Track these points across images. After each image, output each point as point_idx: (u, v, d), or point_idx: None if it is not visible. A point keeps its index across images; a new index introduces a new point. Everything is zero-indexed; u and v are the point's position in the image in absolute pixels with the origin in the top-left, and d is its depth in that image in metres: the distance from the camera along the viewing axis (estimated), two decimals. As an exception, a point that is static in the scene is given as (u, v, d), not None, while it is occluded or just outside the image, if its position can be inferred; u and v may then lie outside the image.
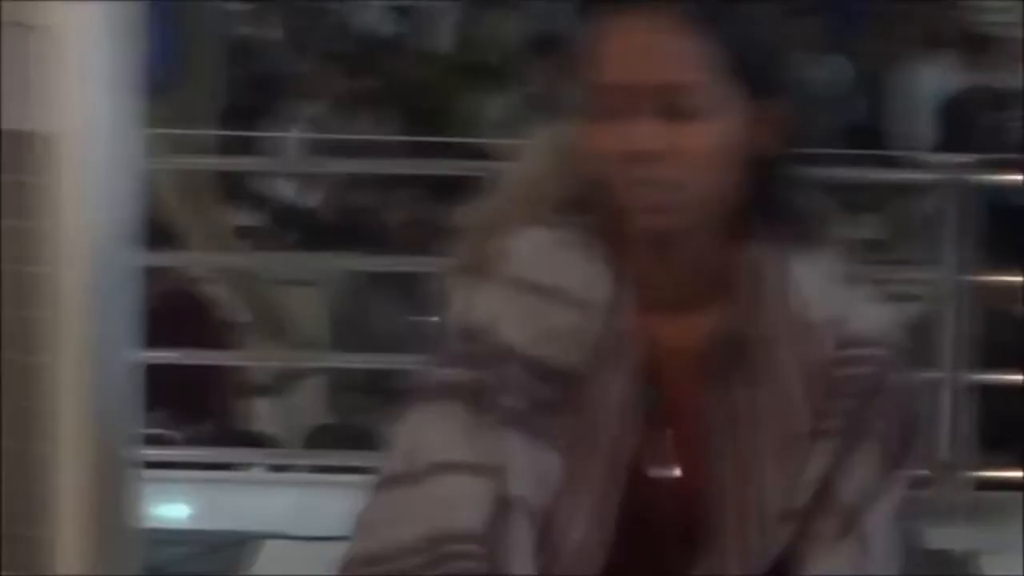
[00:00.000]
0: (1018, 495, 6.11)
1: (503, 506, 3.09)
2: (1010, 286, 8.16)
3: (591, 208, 3.25)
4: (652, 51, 3.17)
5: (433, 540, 3.07)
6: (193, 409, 8.45)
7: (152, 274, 5.08)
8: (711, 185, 3.13)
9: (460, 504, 3.10)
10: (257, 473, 7.39)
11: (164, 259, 7.82)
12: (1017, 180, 11.20)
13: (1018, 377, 8.06)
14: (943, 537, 5.04)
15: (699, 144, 3.11)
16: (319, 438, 8.61)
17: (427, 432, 3.18)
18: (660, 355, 3.23)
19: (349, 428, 8.49)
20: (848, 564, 3.19)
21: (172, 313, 8.03)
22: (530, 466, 3.14)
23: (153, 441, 5.04)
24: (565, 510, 3.17)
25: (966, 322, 6.05)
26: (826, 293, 3.22)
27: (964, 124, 13.22)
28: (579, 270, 3.23)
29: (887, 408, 3.20)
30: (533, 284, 3.23)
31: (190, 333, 8.28)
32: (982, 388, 6.07)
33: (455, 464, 3.11)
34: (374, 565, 3.13)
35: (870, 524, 3.19)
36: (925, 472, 5.03)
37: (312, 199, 13.12)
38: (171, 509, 5.55)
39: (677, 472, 3.22)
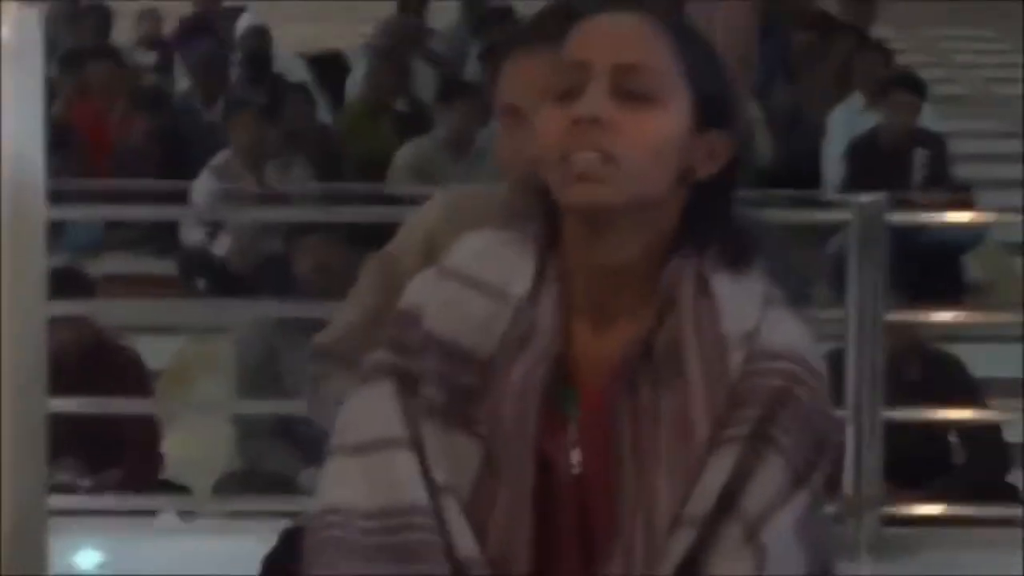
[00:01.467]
0: (923, 530, 6.15)
1: (434, 487, 3.29)
2: (918, 323, 8.24)
3: (540, 211, 3.39)
4: (618, 36, 3.34)
5: (385, 512, 3.29)
6: (102, 457, 8.47)
7: (63, 322, 5.08)
8: (645, 169, 3.24)
9: (406, 478, 3.31)
10: (168, 519, 7.39)
11: (76, 307, 7.82)
12: (927, 217, 11.36)
13: (926, 413, 8.16)
14: (848, 571, 5.07)
15: (640, 126, 3.24)
16: (227, 485, 8.62)
17: (369, 407, 3.41)
18: (577, 355, 3.36)
19: (257, 474, 8.49)
20: (746, 573, 3.24)
21: (90, 363, 8.06)
22: (448, 454, 3.33)
23: (62, 489, 5.04)
24: (485, 496, 3.32)
25: (874, 359, 6.07)
26: (742, 309, 3.32)
27: (878, 163, 13.27)
28: (505, 265, 3.39)
29: (793, 422, 3.27)
30: (458, 274, 3.41)
31: (104, 379, 8.31)
32: (890, 425, 6.09)
33: (396, 439, 3.33)
34: (328, 527, 3.33)
35: (770, 535, 3.25)
36: (832, 502, 5.06)
37: (220, 247, 13.12)
38: (82, 557, 5.54)
39: (579, 465, 3.33)
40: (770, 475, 3.27)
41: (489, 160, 3.91)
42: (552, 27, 4.15)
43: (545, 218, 3.42)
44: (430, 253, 4.10)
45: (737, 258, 3.39)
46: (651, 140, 3.28)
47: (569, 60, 3.36)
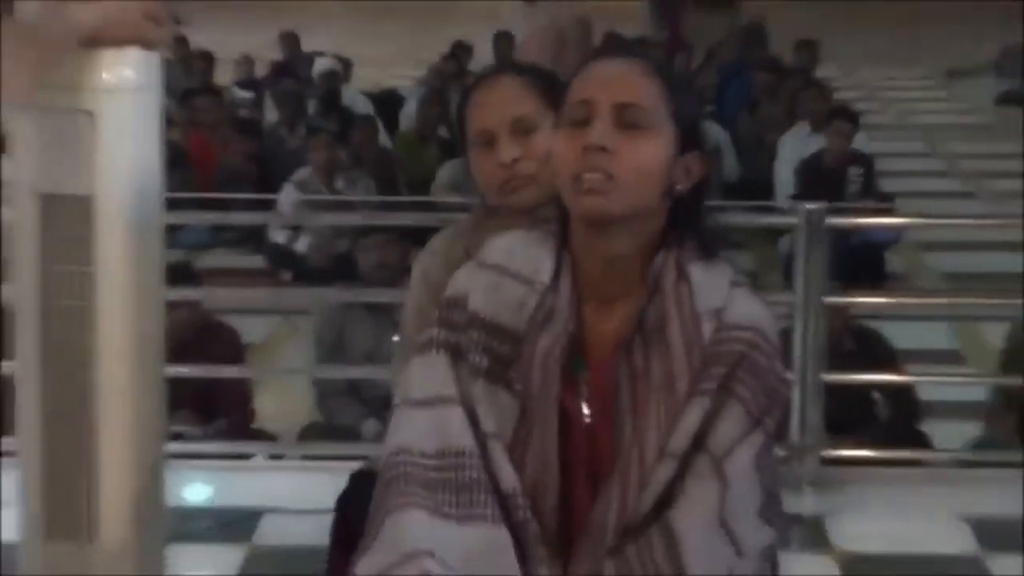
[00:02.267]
0: (856, 469, 6.14)
1: (481, 435, 3.45)
2: (850, 304, 8.25)
3: (557, 219, 3.54)
4: (615, 78, 3.45)
5: (442, 453, 3.45)
6: (208, 411, 8.46)
7: (177, 306, 5.07)
8: (638, 186, 3.39)
9: (458, 428, 3.46)
10: (260, 462, 7.38)
11: (187, 294, 7.82)
12: (861, 222, 11.36)
13: (857, 376, 8.17)
14: (794, 504, 5.07)
15: (636, 152, 3.38)
16: (308, 433, 8.61)
17: (428, 370, 3.55)
18: (587, 329, 3.51)
19: (331, 425, 8.49)
20: (712, 496, 3.39)
21: (197, 338, 8.06)
22: (494, 407, 3.49)
23: (177, 437, 5.04)
24: (521, 440, 3.48)
25: (816, 333, 6.08)
26: (712, 290, 3.48)
27: (819, 179, 13.26)
28: (531, 259, 3.54)
29: (750, 378, 3.42)
30: (495, 267, 3.57)
31: (209, 350, 8.31)
32: (828, 386, 6.09)
33: (450, 397, 3.49)
34: (396, 465, 3.47)
35: (732, 467, 3.39)
36: (782, 448, 5.06)
37: (301, 245, 13.12)
38: (192, 491, 5.53)
39: (589, 415, 3.48)
40: (733, 420, 3.42)
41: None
42: (506, 69, 4.42)
43: (559, 222, 3.54)
44: (427, 278, 4.26)
45: (708, 252, 3.53)
46: (644, 163, 3.41)
47: (578, 97, 3.44)
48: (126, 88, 4.09)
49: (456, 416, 3.49)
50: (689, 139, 3.49)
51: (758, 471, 3.44)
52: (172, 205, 4.33)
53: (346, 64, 19.51)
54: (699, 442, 3.40)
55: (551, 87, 3.99)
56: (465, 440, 3.47)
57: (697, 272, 3.48)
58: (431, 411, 3.52)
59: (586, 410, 3.50)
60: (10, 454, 4.51)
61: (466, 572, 3.40)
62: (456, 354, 3.56)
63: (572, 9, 12.51)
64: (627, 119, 3.41)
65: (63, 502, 4.22)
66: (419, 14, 28.82)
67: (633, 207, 3.42)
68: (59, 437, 4.22)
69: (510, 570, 3.43)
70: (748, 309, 3.49)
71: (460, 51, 19.18)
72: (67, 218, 4.10)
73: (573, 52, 12.60)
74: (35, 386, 4.24)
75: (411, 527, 3.43)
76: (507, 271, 3.58)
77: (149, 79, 4.13)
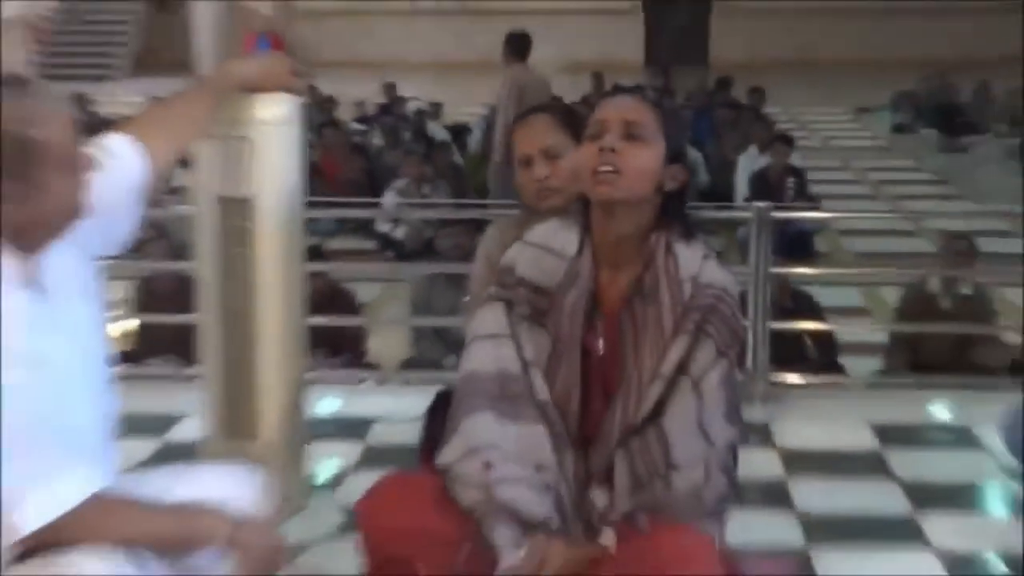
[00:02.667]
0: (793, 389, 6.14)
1: (525, 362, 3.52)
2: (788, 274, 8.25)
3: (581, 210, 3.61)
4: (623, 105, 3.57)
5: (500, 374, 3.54)
6: (335, 349, 8.50)
7: (312, 276, 5.10)
8: (639, 181, 3.48)
9: (509, 357, 3.55)
10: (371, 385, 7.38)
11: (318, 267, 7.85)
12: (804, 216, 11.33)
13: (793, 325, 8.16)
14: (749, 413, 5.06)
15: (636, 154, 3.47)
16: (406, 366, 8.64)
17: (490, 315, 3.64)
18: (601, 288, 3.58)
19: (424, 359, 8.51)
20: (692, 408, 3.47)
21: (325, 298, 8.09)
22: (534, 343, 3.57)
23: (315, 367, 5.07)
24: (553, 367, 3.56)
25: (763, 294, 6.06)
26: (691, 261, 3.55)
27: (766, 186, 13.23)
28: (562, 239, 3.63)
29: (718, 322, 3.50)
30: (536, 244, 3.66)
31: (334, 307, 8.34)
32: (772, 331, 6.08)
33: (504, 335, 3.59)
34: (469, 382, 3.57)
35: (706, 387, 3.48)
36: (741, 374, 5.07)
37: (399, 233, 13.13)
38: (324, 404, 5.56)
39: (602, 350, 3.56)
40: (705, 352, 3.49)
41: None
42: (540, 109, 4.37)
43: (581, 214, 3.61)
44: (487, 255, 4.23)
45: (688, 235, 3.62)
46: (642, 164, 3.49)
47: (596, 118, 3.54)
48: (277, 122, 4.15)
49: (508, 347, 3.57)
50: (675, 154, 3.57)
51: (724, 388, 3.52)
52: (309, 204, 4.35)
53: (437, 106, 19.53)
54: (681, 368, 3.48)
55: (572, 123, 4.03)
56: (514, 366, 3.55)
57: (680, 248, 3.56)
58: (492, 342, 3.60)
59: (600, 345, 3.57)
60: (196, 377, 4.54)
61: (517, 457, 3.46)
62: (508, 305, 3.63)
63: (532, 72, 12.68)
64: (631, 132, 3.49)
65: (234, 411, 4.27)
66: (480, 69, 28.78)
67: (633, 194, 3.49)
68: (231, 365, 4.27)
69: (546, 456, 3.49)
70: (716, 274, 3.55)
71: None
72: (235, 213, 4.16)
73: (533, 98, 12.85)
74: (214, 331, 4.29)
75: (478, 426, 3.52)
76: (545, 247, 3.65)
77: (292, 115, 4.19)
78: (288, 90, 4.10)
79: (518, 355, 3.56)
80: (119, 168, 3.48)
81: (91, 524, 3.05)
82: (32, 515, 2.99)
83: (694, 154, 14.91)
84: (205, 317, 4.29)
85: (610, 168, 3.44)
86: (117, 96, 23.37)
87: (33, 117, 3.04)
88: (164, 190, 10.16)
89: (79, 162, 3.15)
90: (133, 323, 8.57)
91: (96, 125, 14.22)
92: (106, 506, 3.11)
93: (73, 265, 3.27)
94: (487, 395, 3.54)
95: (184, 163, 4.18)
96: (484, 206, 11.82)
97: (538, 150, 4.09)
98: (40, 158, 3.04)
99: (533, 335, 3.58)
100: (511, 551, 3.37)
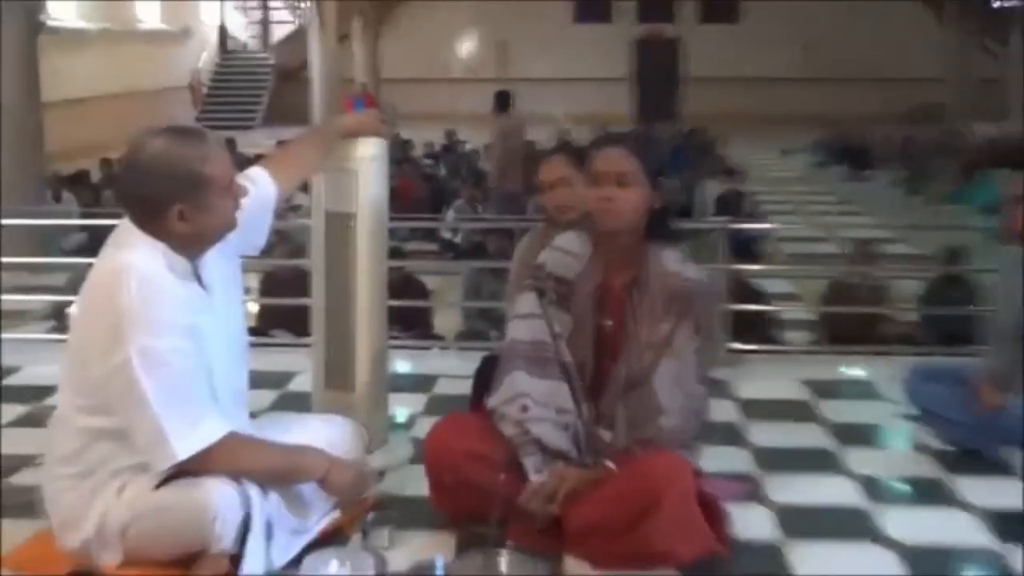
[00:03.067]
0: (746, 355, 6.04)
1: (555, 334, 3.54)
2: (739, 269, 8.14)
3: (589, 224, 3.59)
4: (614, 160, 3.50)
5: (534, 341, 3.55)
6: (408, 324, 8.43)
7: (392, 270, 5.03)
8: (631, 214, 3.48)
9: (541, 329, 3.56)
10: (435, 351, 7.32)
11: (397, 263, 7.78)
12: (752, 227, 11.20)
13: (751, 307, 8.05)
14: (715, 374, 4.95)
15: (628, 197, 3.47)
16: (461, 337, 8.57)
17: (525, 300, 3.62)
18: (608, 281, 3.57)
19: (474, 332, 8.43)
20: (673, 368, 3.44)
21: (402, 286, 8.02)
22: (560, 320, 3.56)
23: (392, 337, 4.99)
24: (574, 338, 3.55)
25: (724, 286, 5.95)
26: (674, 262, 3.50)
27: (726, 206, 13.11)
28: (578, 244, 3.62)
29: (695, 308, 3.47)
30: (560, 248, 3.64)
31: (408, 293, 8.28)
32: (734, 312, 5.97)
33: (537, 314, 3.58)
34: (513, 347, 3.58)
35: (684, 354, 3.45)
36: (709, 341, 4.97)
37: (457, 238, 13.03)
38: (399, 365, 5.47)
39: (610, 326, 3.55)
40: (684, 330, 3.46)
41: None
42: (557, 149, 4.46)
43: (592, 228, 3.60)
44: (520, 255, 4.27)
45: (670, 243, 3.60)
46: (631, 204, 3.49)
47: (597, 169, 3.53)
48: (370, 158, 4.10)
49: (540, 324, 3.56)
50: (654, 185, 3.53)
51: (697, 355, 3.50)
52: (390, 217, 4.29)
53: (485, 147, 19.39)
54: (667, 341, 3.45)
55: (580, 159, 3.95)
56: (545, 335, 3.55)
57: (664, 253, 3.54)
58: (527, 320, 3.59)
59: (609, 323, 3.55)
60: (306, 345, 4.48)
61: (545, 403, 3.49)
62: (540, 292, 3.59)
63: (513, 119, 13.06)
64: (620, 181, 3.47)
65: (335, 369, 4.21)
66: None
67: (628, 224, 3.50)
68: (334, 335, 4.21)
69: (567, 403, 3.51)
70: (692, 272, 3.53)
71: (530, 142, 19.02)
72: (341, 224, 4.12)
73: (515, 141, 13.45)
74: (321, 309, 4.20)
75: (517, 380, 3.51)
76: (566, 250, 3.63)
77: (381, 152, 4.14)
78: (380, 135, 4.15)
79: (548, 329, 3.55)
80: (257, 192, 3.52)
81: (224, 457, 3.09)
82: (184, 447, 2.97)
83: (672, 182, 14.84)
84: (315, 299, 4.25)
85: (610, 211, 3.47)
86: (255, 140, 23.44)
87: (205, 157, 3.10)
88: (286, 207, 10.15)
89: (235, 190, 3.21)
90: (255, 306, 8.59)
91: (241, 162, 14.31)
92: (237, 443, 3.13)
93: (223, 263, 3.31)
94: (523, 357, 3.53)
95: (304, 187, 4.19)
96: (521, 219, 11.78)
97: (556, 178, 4.11)
98: (208, 187, 3.10)
99: (559, 315, 3.56)
100: (537, 473, 3.43)
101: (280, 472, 3.27)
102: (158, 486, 3.07)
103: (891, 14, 29.22)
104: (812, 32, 30.70)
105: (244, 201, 3.27)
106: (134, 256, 3.05)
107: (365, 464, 3.71)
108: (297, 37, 31.20)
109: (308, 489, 3.39)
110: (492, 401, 3.56)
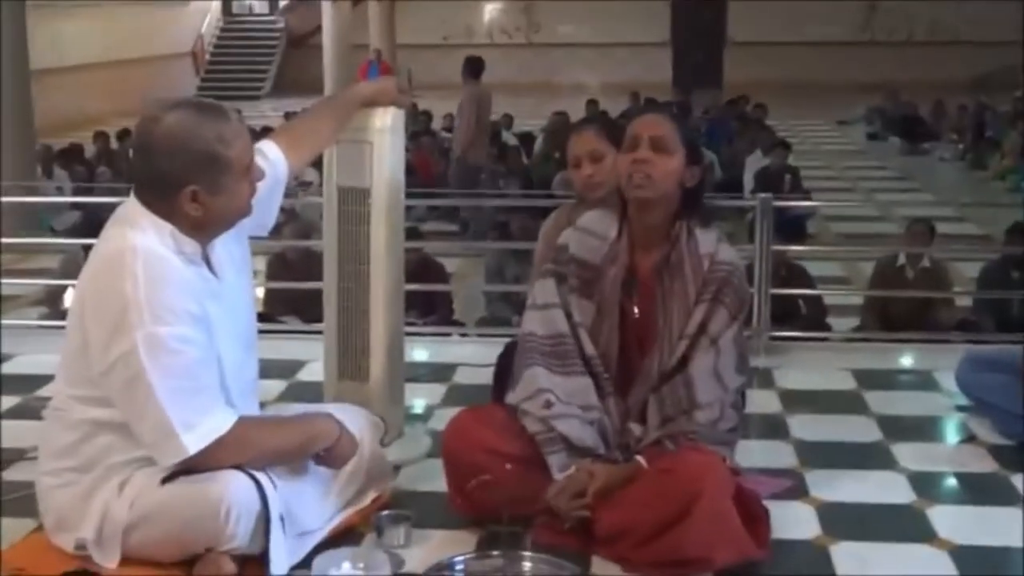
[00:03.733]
0: (789, 343, 6.05)
1: (574, 325, 3.50)
2: (786, 250, 8.15)
3: (619, 201, 3.61)
4: (652, 123, 3.54)
5: (551, 335, 3.57)
6: (427, 309, 8.47)
7: (409, 251, 5.08)
8: (665, 183, 3.49)
9: (560, 321, 3.58)
10: (455, 338, 7.35)
11: (415, 244, 7.82)
12: (792, 204, 11.20)
13: (794, 291, 8.08)
14: (755, 361, 4.99)
15: (663, 162, 3.48)
16: (482, 323, 8.60)
17: (543, 289, 3.64)
18: (636, 264, 3.53)
19: (496, 318, 8.45)
20: (711, 360, 3.46)
21: (420, 269, 8.05)
22: (581, 309, 3.58)
23: (409, 323, 5.03)
24: (597, 327, 3.57)
25: (766, 268, 5.95)
26: (708, 242, 3.51)
27: (768, 181, 13.06)
28: (605, 224, 3.63)
29: (730, 292, 3.48)
30: (585, 228, 3.65)
31: (427, 276, 8.30)
32: (773, 296, 5.98)
33: (555, 304, 3.60)
34: (527, 342, 3.61)
35: (722, 343, 3.47)
36: (747, 331, 5.00)
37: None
38: (417, 352, 5.52)
39: (637, 313, 3.58)
40: (721, 316, 3.49)
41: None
42: (585, 122, 4.51)
43: (620, 204, 3.60)
44: (546, 236, 4.25)
45: (704, 221, 3.60)
46: (667, 170, 3.47)
47: (632, 132, 3.54)
48: (387, 130, 4.12)
49: (558, 314, 3.58)
50: (692, 158, 3.55)
51: (735, 345, 3.52)
52: (407, 196, 4.33)
53: (508, 118, 19.37)
54: (702, 329, 3.48)
55: (613, 133, 3.98)
56: (564, 327, 3.57)
57: (698, 232, 3.55)
58: (544, 311, 3.61)
59: (636, 310, 3.57)
60: (318, 331, 4.53)
61: (567, 403, 3.51)
62: (560, 278, 3.62)
63: (482, 87, 13.28)
64: (657, 145, 3.48)
65: (349, 358, 4.25)
66: (540, 89, 28.75)
67: (661, 194, 3.49)
68: (348, 321, 4.24)
69: (592, 400, 3.53)
70: (727, 253, 3.54)
71: (561, 113, 19.02)
72: (355, 201, 4.16)
73: (483, 111, 13.97)
74: (335, 293, 4.25)
75: (537, 377, 3.53)
76: (591, 231, 3.64)
77: (398, 124, 4.17)
78: (398, 105, 4.13)
79: (567, 319, 3.57)
80: (270, 168, 3.53)
81: (237, 446, 3.10)
82: (194, 440, 2.99)
83: (710, 156, 14.85)
84: (327, 282, 4.28)
85: (642, 175, 3.46)
86: (262, 111, 23.49)
87: (224, 136, 3.10)
88: (296, 184, 10.20)
89: (253, 174, 3.22)
90: (261, 290, 8.59)
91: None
92: (247, 429, 3.16)
93: (233, 246, 3.34)
94: (540, 352, 3.56)
95: (315, 162, 4.20)
96: (547, 196, 11.80)
97: (586, 153, 4.09)
98: (226, 170, 3.11)
99: (580, 303, 3.59)
100: (562, 472, 3.46)
101: (294, 448, 3.30)
102: (164, 481, 3.07)
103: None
104: (874, -9, 30.49)
105: (259, 184, 3.28)
106: (140, 237, 3.04)
107: (382, 459, 3.76)
108: (308, -1, 31.28)
109: (313, 487, 3.41)
110: (512, 397, 3.59)
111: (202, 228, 3.14)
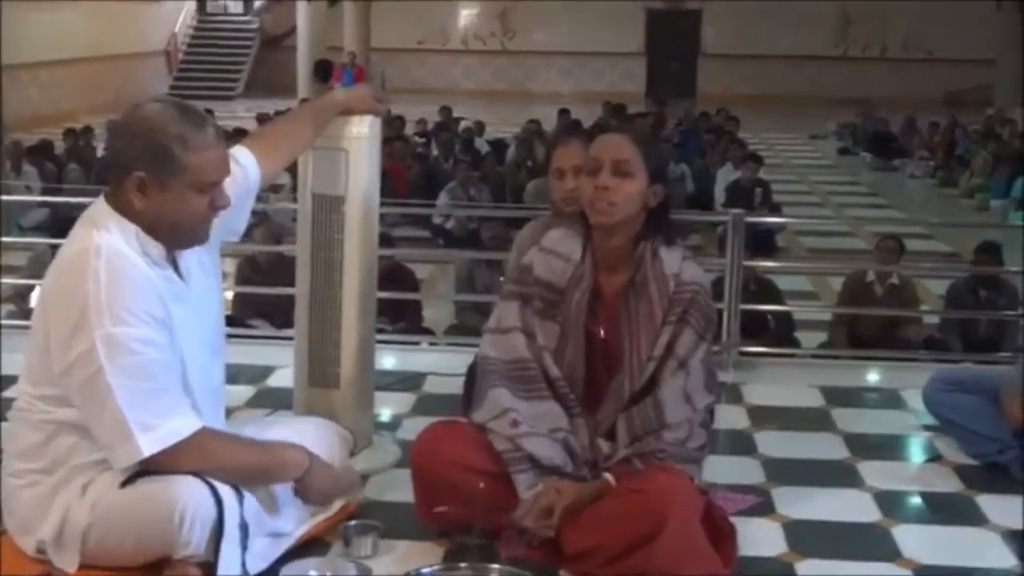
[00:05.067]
0: (758, 358, 6.05)
1: (537, 348, 3.49)
2: (755, 265, 8.16)
3: (584, 221, 3.58)
4: (613, 146, 3.51)
5: (511, 360, 3.56)
6: (396, 316, 8.45)
7: (381, 257, 5.07)
8: (628, 207, 3.47)
9: (522, 346, 3.56)
10: (424, 346, 7.34)
11: (386, 252, 7.80)
12: (765, 220, 11.24)
13: (763, 307, 8.11)
14: (723, 377, 5.00)
15: (625, 187, 3.46)
16: (452, 331, 8.58)
17: (506, 312, 3.62)
18: (600, 285, 3.53)
19: (465, 327, 8.41)
20: (680, 382, 3.46)
21: (390, 275, 8.03)
22: (545, 331, 3.57)
23: (379, 331, 5.02)
24: (561, 349, 3.56)
25: (736, 282, 5.95)
26: (672, 262, 3.50)
27: (738, 195, 13.11)
28: (568, 246, 3.60)
29: (697, 312, 3.48)
30: (550, 250, 3.62)
31: (397, 282, 8.29)
32: (742, 311, 5.98)
33: (517, 328, 3.58)
34: (487, 364, 3.59)
35: (691, 365, 3.47)
36: (716, 346, 4.99)
37: (449, 224, 13.07)
38: (385, 360, 5.50)
39: (603, 335, 3.54)
40: (687, 337, 3.49)
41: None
42: (570, 134, 4.44)
43: (584, 225, 3.60)
44: (520, 248, 4.20)
45: (669, 240, 3.59)
46: (629, 194, 3.48)
47: (593, 155, 3.53)
48: (362, 137, 4.12)
49: (519, 339, 3.57)
50: (655, 177, 3.52)
51: (703, 364, 3.51)
52: (380, 202, 4.33)
53: (481, 125, 19.39)
54: (669, 350, 3.49)
55: None
56: (525, 352, 3.55)
57: (663, 252, 3.54)
58: (505, 336, 3.59)
59: (602, 332, 3.56)
60: (287, 337, 4.51)
61: (533, 429, 3.50)
62: (524, 300, 3.61)
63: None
64: (619, 169, 3.47)
65: (319, 365, 4.23)
66: (515, 97, 28.77)
67: (624, 219, 3.49)
68: (318, 327, 4.24)
69: (559, 423, 3.53)
70: (693, 272, 3.54)
71: (534, 122, 19.06)
72: (329, 208, 4.15)
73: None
74: (306, 299, 4.25)
75: (501, 397, 3.53)
76: (555, 252, 3.63)
77: (374, 131, 4.17)
78: (374, 113, 4.13)
79: (528, 343, 3.56)
80: (242, 174, 3.53)
81: (196, 454, 3.06)
82: (150, 443, 2.97)
83: (682, 168, 14.94)
84: (300, 288, 4.27)
85: (605, 203, 3.46)
86: (235, 112, 23.44)
87: (187, 140, 3.08)
88: (267, 188, 10.16)
89: (215, 198, 3.17)
90: (230, 293, 8.56)
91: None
92: (209, 439, 3.13)
93: (201, 250, 3.30)
94: (502, 375, 3.55)
95: (289, 167, 4.19)
96: (518, 208, 11.84)
97: (571, 167, 4.08)
98: (176, 169, 3.08)
99: (545, 325, 3.57)
100: (529, 490, 3.45)
101: (257, 470, 3.26)
102: (124, 484, 3.05)
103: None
104: (848, 6, 30.64)
105: (230, 191, 3.24)
106: (105, 237, 3.03)
107: (350, 469, 3.74)
108: None
109: (285, 490, 3.39)
110: (478, 416, 3.56)
111: (152, 228, 3.10)
